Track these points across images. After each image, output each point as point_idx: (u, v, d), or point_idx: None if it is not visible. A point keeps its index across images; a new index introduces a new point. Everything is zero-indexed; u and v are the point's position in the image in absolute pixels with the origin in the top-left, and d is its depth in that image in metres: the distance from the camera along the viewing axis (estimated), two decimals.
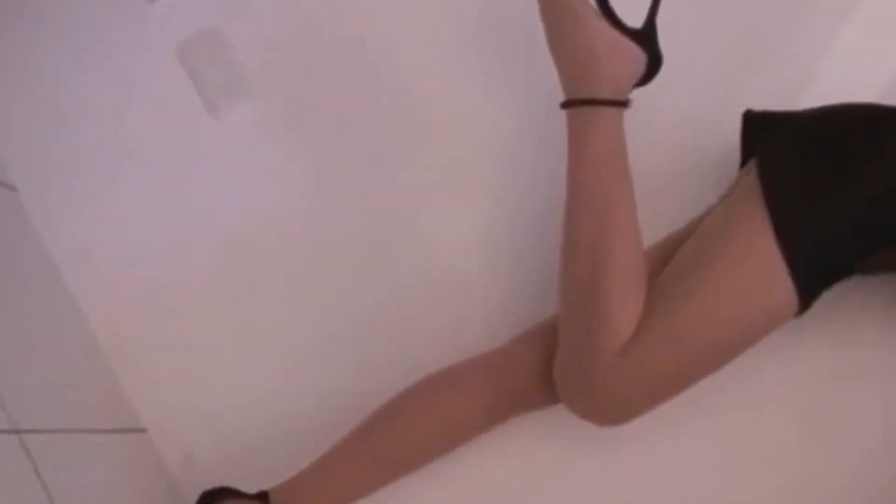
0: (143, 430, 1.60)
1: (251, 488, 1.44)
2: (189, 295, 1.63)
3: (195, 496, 1.45)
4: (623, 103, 1.37)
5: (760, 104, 1.42)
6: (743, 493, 1.49)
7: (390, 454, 1.44)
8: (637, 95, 1.40)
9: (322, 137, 1.67)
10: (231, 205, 1.65)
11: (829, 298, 1.34)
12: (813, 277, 1.30)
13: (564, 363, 1.36)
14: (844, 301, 1.41)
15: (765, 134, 1.37)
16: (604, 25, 1.35)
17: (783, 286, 1.28)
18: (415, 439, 1.44)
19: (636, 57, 1.38)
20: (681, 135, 1.57)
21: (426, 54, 1.65)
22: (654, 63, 1.40)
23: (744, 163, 1.43)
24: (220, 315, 1.62)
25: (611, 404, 1.34)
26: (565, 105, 1.38)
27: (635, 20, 1.39)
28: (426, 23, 1.65)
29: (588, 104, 1.35)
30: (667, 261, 1.38)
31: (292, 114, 1.67)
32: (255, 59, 1.66)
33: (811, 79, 1.57)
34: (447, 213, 1.62)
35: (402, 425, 1.44)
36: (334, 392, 1.56)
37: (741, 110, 1.42)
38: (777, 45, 1.59)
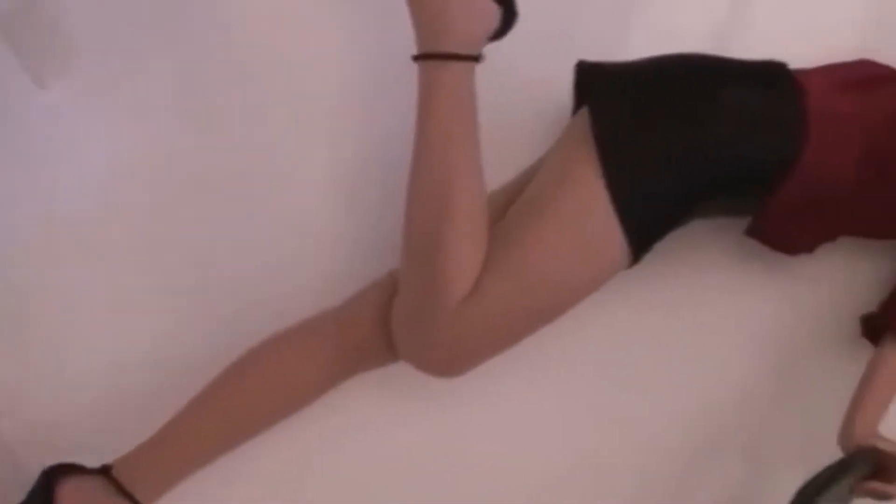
0: None
1: (95, 463, 1.40)
2: (22, 269, 1.57)
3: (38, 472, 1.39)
4: (475, 58, 1.36)
5: (596, 54, 1.44)
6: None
7: (236, 417, 1.41)
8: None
9: (170, 92, 1.61)
10: (65, 178, 1.59)
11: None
12: (645, 231, 1.34)
13: (404, 313, 1.36)
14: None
15: (596, 84, 1.39)
16: None
17: (616, 240, 1.32)
18: (260, 400, 1.41)
19: (491, 12, 1.37)
20: (522, 84, 1.57)
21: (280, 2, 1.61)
22: (508, 18, 1.39)
23: (576, 110, 1.44)
24: (56, 286, 1.56)
25: (449, 353, 1.35)
26: (417, 58, 1.36)
27: None
28: None
29: (440, 58, 1.34)
30: (507, 207, 1.39)
31: (128, 71, 1.61)
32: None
33: (643, 28, 1.60)
34: (301, 166, 1.60)
35: (246, 387, 1.41)
36: (184, 359, 1.51)
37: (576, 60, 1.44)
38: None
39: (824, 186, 1.36)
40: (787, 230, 1.43)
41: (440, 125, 1.34)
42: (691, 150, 1.32)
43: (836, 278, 1.56)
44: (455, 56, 1.33)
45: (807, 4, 1.60)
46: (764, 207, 1.39)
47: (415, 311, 1.34)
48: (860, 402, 1.37)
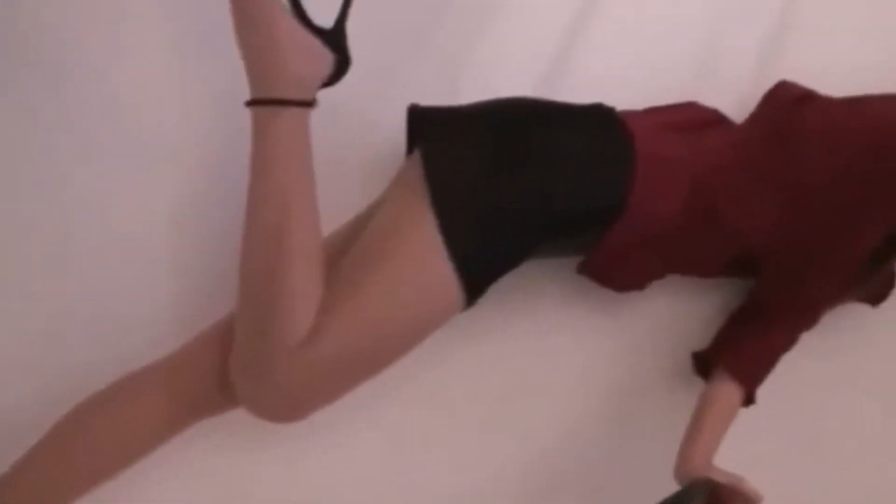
0: None
1: None
2: None
3: None
4: (308, 103, 1.35)
5: (426, 98, 1.44)
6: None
7: (76, 466, 1.36)
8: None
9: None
10: None
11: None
12: (480, 275, 1.35)
13: (242, 359, 1.33)
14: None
15: (428, 128, 1.40)
16: (293, 23, 1.32)
17: (451, 284, 1.32)
18: (97, 451, 1.36)
19: (324, 57, 1.36)
20: (359, 125, 1.58)
21: (115, 42, 1.57)
22: (341, 64, 1.39)
23: (409, 153, 1.45)
24: None
25: (288, 397, 1.32)
26: (251, 103, 1.34)
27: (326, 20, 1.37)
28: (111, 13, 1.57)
29: (273, 104, 1.32)
30: (345, 249, 1.38)
31: None
32: None
33: (475, 71, 1.61)
34: (138, 207, 1.56)
35: (83, 437, 1.36)
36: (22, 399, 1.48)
37: (408, 103, 1.44)
38: (443, 40, 1.62)
39: (652, 228, 1.40)
40: (616, 269, 1.46)
41: (273, 170, 1.32)
42: (523, 194, 1.33)
43: (673, 316, 1.60)
44: (287, 101, 1.32)
45: (632, 47, 1.64)
46: (594, 247, 1.42)
47: (252, 355, 1.31)
48: (694, 436, 1.40)
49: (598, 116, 1.43)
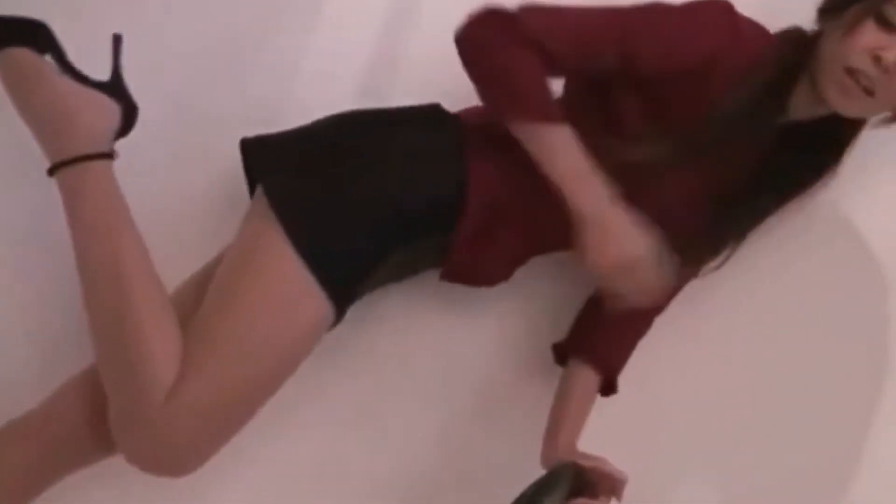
0: None
1: None
2: None
3: None
4: (108, 155, 1.36)
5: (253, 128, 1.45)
6: None
7: None
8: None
9: None
10: None
11: None
12: (342, 281, 1.35)
13: (116, 418, 1.31)
14: None
15: (264, 158, 1.41)
16: (68, 82, 1.35)
17: (314, 296, 1.33)
18: None
19: (109, 108, 1.39)
20: (185, 169, 1.59)
21: None
22: (129, 111, 1.42)
23: (252, 188, 1.46)
24: None
25: (174, 449, 1.30)
26: (52, 170, 1.36)
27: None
28: None
29: (73, 162, 1.34)
30: (200, 295, 1.38)
31: None
32: None
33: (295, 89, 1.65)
34: None
35: None
36: None
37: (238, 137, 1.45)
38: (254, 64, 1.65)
39: (499, 206, 1.40)
40: (479, 259, 1.44)
41: (90, 227, 1.33)
42: (369, 195, 1.35)
43: (533, 308, 1.65)
44: (88, 157, 1.34)
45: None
46: (451, 245, 1.42)
47: (125, 413, 1.30)
48: (556, 422, 1.44)
49: (432, 113, 1.45)
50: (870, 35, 1.27)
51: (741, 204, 1.45)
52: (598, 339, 1.50)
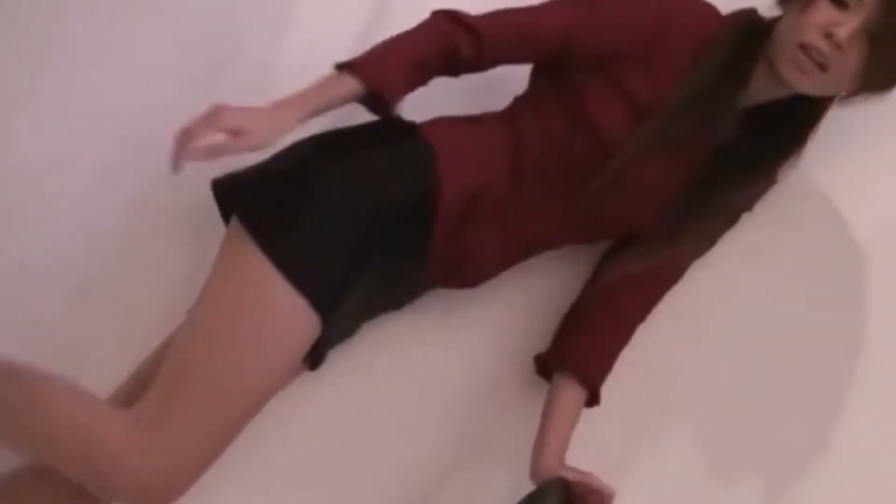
0: None
1: None
2: None
3: None
4: None
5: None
6: None
7: None
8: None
9: None
10: None
11: None
12: (324, 288, 1.34)
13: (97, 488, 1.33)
14: None
15: (234, 193, 1.41)
16: None
17: (298, 306, 1.32)
18: None
19: None
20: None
21: None
22: None
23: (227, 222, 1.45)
24: None
25: (159, 481, 1.31)
26: None
27: None
28: None
29: None
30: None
31: None
32: None
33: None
34: None
35: None
36: None
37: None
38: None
39: (473, 205, 1.41)
40: (461, 256, 1.44)
41: None
42: (338, 213, 1.34)
43: (515, 322, 1.64)
44: None
45: None
46: (432, 251, 1.41)
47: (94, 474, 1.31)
48: (543, 437, 1.46)
49: (393, 124, 1.44)
50: (823, 12, 1.29)
51: (705, 191, 1.44)
52: (582, 353, 1.51)
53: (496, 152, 1.43)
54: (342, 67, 1.37)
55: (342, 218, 1.34)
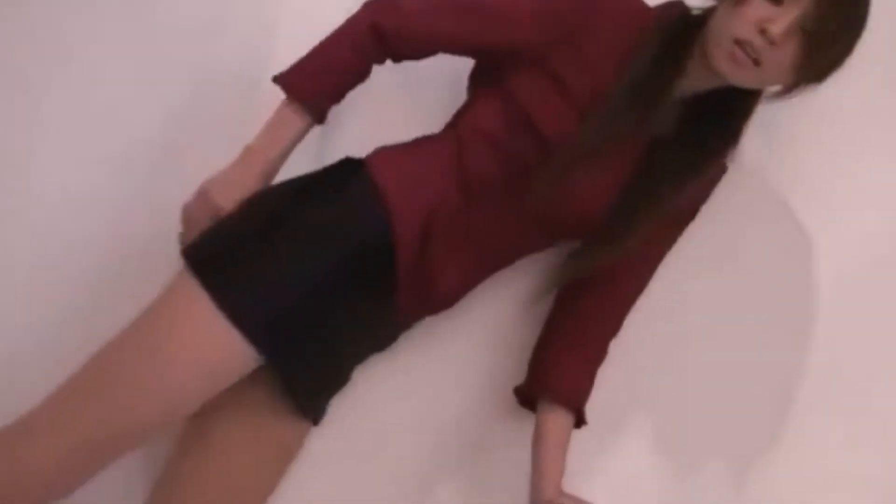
0: None
1: None
2: None
3: None
4: None
5: None
6: None
7: None
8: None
9: None
10: None
11: None
12: (257, 322, 1.33)
13: None
14: None
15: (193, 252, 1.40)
16: None
17: (222, 333, 1.32)
18: None
19: None
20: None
21: None
22: None
23: None
24: None
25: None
26: None
27: None
28: None
29: None
30: None
31: None
32: None
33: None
34: None
35: None
36: None
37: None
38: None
39: (431, 228, 1.41)
40: (428, 280, 1.43)
41: None
42: (295, 256, 1.35)
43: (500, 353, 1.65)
44: None
45: None
46: (397, 276, 1.41)
47: None
48: (539, 467, 1.45)
49: (341, 167, 1.46)
50: (758, 8, 1.30)
51: (646, 184, 1.44)
52: (562, 378, 1.50)
53: (441, 171, 1.43)
54: (279, 80, 1.44)
55: (294, 262, 1.35)
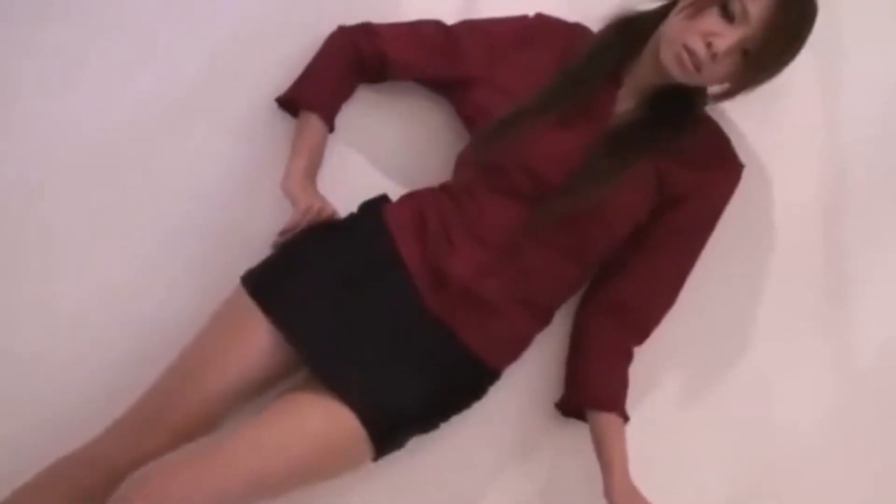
0: None
1: None
2: None
3: None
4: None
5: None
6: None
7: None
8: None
9: None
10: None
11: None
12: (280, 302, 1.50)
13: None
14: None
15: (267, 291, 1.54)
16: None
17: (259, 323, 1.49)
18: None
19: None
20: None
21: None
22: None
23: None
24: None
25: None
26: None
27: None
28: None
29: None
30: None
31: None
32: None
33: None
34: None
35: None
36: None
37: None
38: None
39: (422, 215, 1.54)
40: (438, 268, 1.50)
41: None
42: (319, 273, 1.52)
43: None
44: None
45: None
46: (405, 260, 1.52)
47: None
48: (606, 459, 1.50)
49: (361, 213, 1.60)
50: (710, 21, 1.42)
51: (600, 158, 1.50)
52: (599, 386, 1.56)
53: (431, 190, 1.58)
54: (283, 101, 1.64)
55: (318, 278, 1.51)
